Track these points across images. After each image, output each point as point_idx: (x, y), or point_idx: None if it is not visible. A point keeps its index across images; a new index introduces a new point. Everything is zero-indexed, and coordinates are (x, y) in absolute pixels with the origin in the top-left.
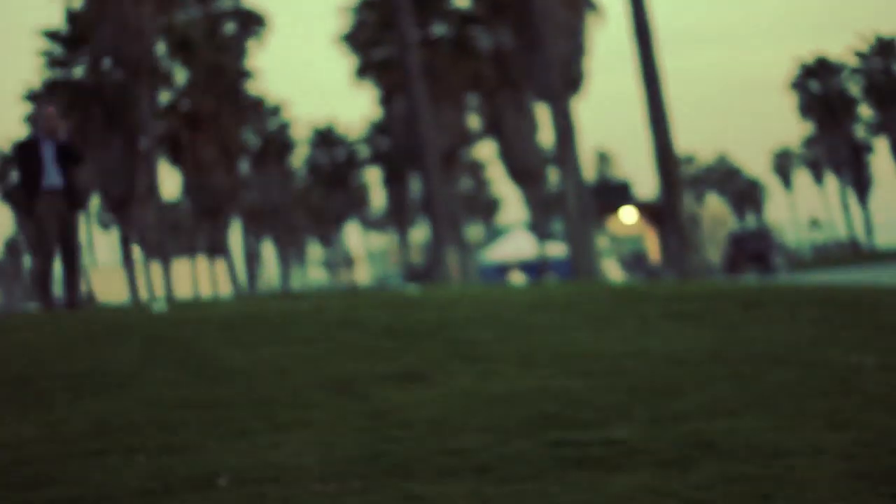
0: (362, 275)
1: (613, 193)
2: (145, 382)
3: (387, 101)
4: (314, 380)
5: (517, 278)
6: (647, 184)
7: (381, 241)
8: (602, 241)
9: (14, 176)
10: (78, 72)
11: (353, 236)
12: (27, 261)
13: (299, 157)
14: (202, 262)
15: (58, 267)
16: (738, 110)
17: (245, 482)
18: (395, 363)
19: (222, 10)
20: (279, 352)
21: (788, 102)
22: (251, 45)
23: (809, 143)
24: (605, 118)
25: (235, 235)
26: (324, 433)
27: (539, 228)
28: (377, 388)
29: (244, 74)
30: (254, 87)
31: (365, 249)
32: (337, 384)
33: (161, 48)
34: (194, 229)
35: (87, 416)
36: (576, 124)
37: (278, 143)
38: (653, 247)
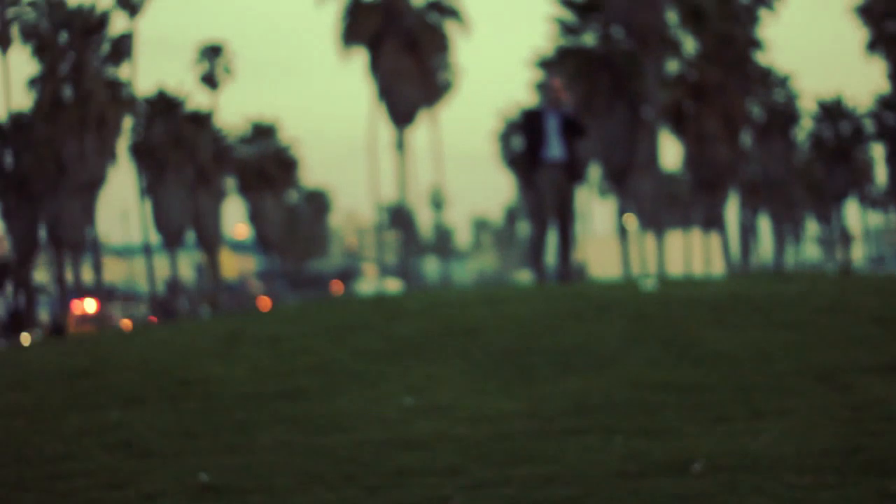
0: (857, 254)
1: None
2: (628, 362)
3: None
4: (796, 367)
5: None
6: None
7: (881, 220)
8: None
9: (518, 143)
10: (588, 39)
11: (852, 214)
12: (522, 227)
13: (802, 131)
14: (696, 235)
15: (552, 237)
16: None
17: (719, 469)
18: (882, 354)
19: None
20: (763, 336)
21: None
22: (763, 14)
23: None
24: None
25: (732, 209)
26: (802, 423)
27: None
28: (861, 378)
29: (754, 44)
30: (762, 58)
31: (862, 228)
32: (819, 372)
33: (672, 17)
34: (691, 202)
35: (568, 394)
36: None
37: (783, 116)
38: None
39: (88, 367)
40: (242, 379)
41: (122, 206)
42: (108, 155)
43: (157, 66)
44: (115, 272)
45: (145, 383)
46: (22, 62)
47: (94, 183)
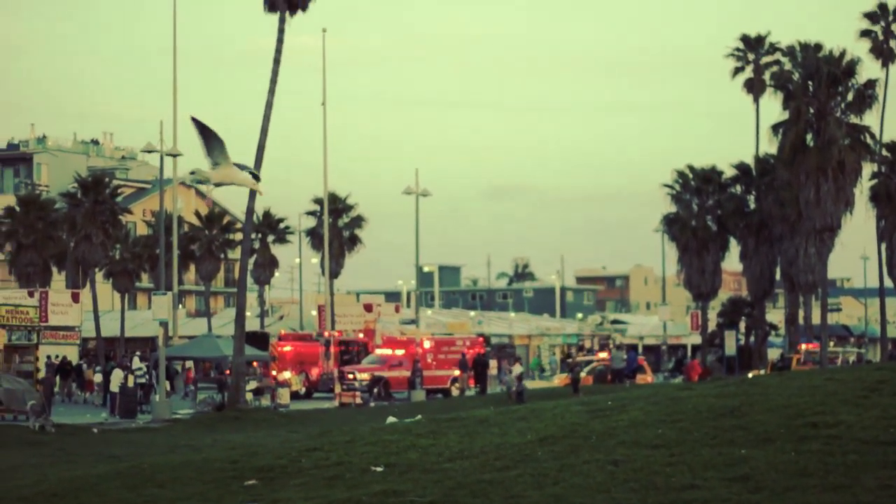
0: None
1: None
2: None
3: None
4: None
5: None
6: None
7: None
8: None
9: None
10: None
11: None
12: None
13: None
14: None
15: None
16: None
17: None
18: None
19: None
20: None
21: None
22: None
23: None
24: None
25: None
26: None
27: None
28: None
29: None
30: None
31: None
32: None
33: None
34: None
35: None
36: None
37: None
38: None
39: (736, 407)
40: (867, 425)
41: (861, 248)
42: (844, 201)
43: None
44: (852, 314)
45: (779, 424)
46: (768, 107)
47: (829, 228)
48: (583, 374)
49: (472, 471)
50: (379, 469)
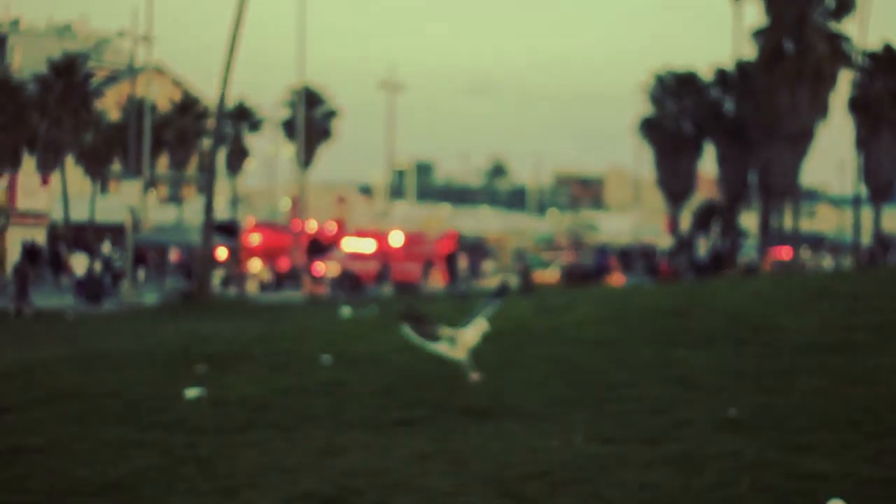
0: None
1: None
2: None
3: None
4: None
5: None
6: None
7: None
8: None
9: None
10: None
11: None
12: None
13: None
14: None
15: None
16: None
17: None
18: None
19: None
20: None
21: None
22: None
23: None
24: None
25: None
26: None
27: None
28: None
29: None
30: None
31: None
32: None
33: None
34: None
35: None
36: None
37: None
38: None
39: (681, 307)
40: (807, 330)
41: (839, 156)
42: (820, 108)
43: (889, 20)
44: (828, 221)
45: (721, 327)
46: (749, 10)
47: (803, 134)
48: (553, 272)
49: (416, 362)
50: (326, 358)
